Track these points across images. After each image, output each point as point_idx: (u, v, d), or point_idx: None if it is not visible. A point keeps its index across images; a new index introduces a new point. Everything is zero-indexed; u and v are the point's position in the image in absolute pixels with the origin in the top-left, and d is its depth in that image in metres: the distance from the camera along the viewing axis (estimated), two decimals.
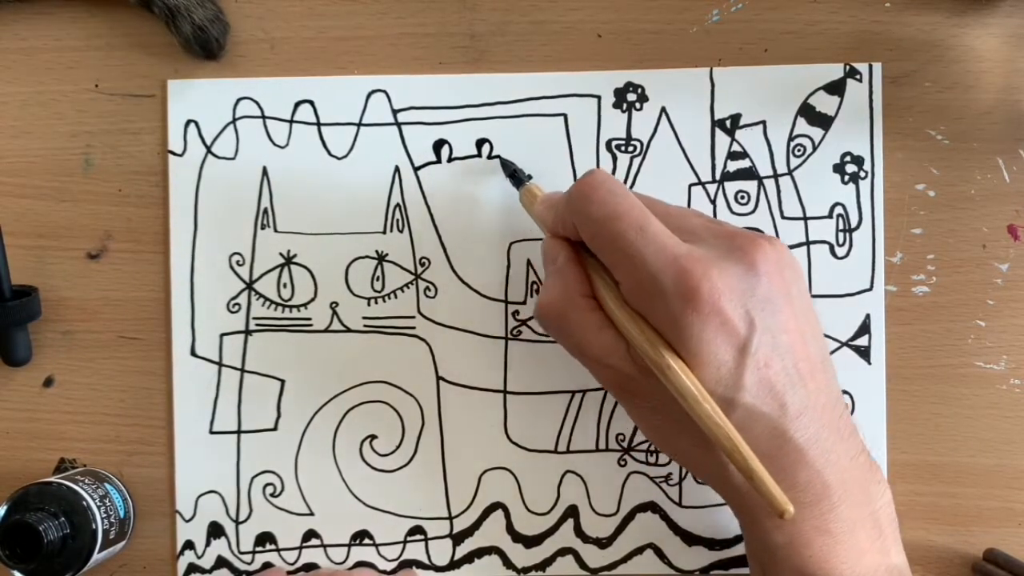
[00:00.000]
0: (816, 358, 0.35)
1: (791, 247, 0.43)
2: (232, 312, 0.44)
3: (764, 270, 0.34)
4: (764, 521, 0.35)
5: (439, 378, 0.44)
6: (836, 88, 0.43)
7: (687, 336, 0.33)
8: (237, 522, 0.44)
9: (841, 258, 0.44)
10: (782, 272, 0.35)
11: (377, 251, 0.44)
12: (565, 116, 0.44)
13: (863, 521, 0.35)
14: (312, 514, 0.44)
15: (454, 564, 0.44)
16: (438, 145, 0.44)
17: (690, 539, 0.44)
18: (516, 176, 0.43)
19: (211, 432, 0.44)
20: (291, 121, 0.44)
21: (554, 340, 0.40)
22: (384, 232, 0.44)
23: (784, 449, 0.34)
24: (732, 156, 0.44)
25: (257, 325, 0.44)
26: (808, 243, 0.44)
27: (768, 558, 0.36)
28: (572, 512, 0.44)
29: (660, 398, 0.35)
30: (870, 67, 0.43)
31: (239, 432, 0.44)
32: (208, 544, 0.44)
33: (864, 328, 0.43)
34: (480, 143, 0.44)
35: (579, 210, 0.36)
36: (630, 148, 0.44)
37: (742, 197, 0.44)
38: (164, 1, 0.42)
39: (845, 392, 0.43)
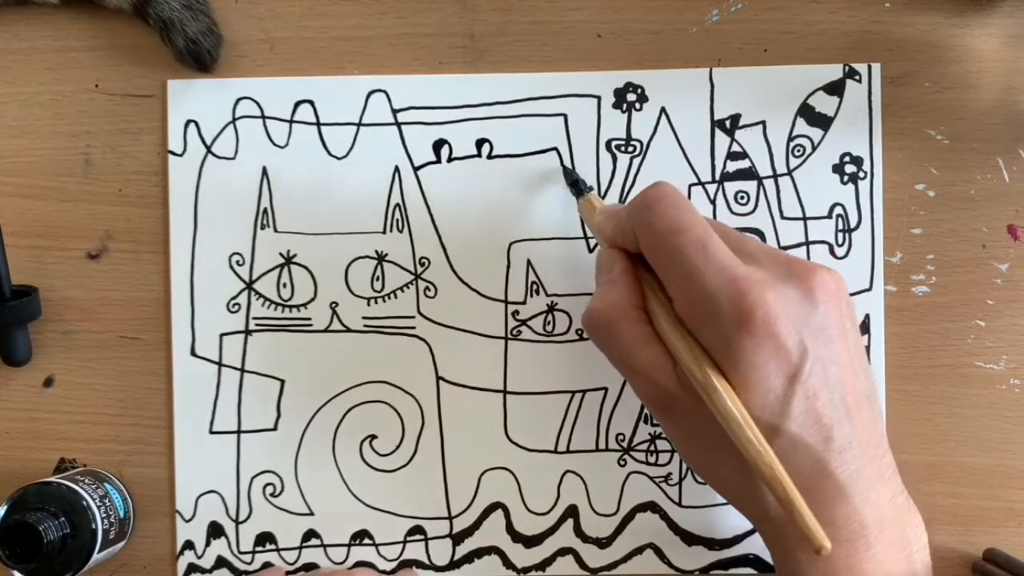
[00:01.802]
0: (863, 393, 0.35)
1: (790, 247, 0.44)
2: (232, 312, 0.45)
3: (822, 299, 0.34)
4: (797, 555, 0.35)
5: (439, 378, 0.44)
6: (835, 88, 0.44)
7: (738, 359, 0.33)
8: (237, 522, 0.45)
9: (840, 258, 0.44)
10: (839, 303, 0.34)
11: (377, 251, 0.44)
12: (565, 116, 0.44)
13: (898, 563, 0.35)
14: (312, 514, 0.45)
15: (454, 564, 0.44)
16: (438, 145, 0.44)
17: (690, 539, 0.44)
18: (577, 186, 0.43)
19: (211, 432, 0.45)
20: (291, 121, 0.44)
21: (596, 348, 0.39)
22: (384, 232, 0.44)
23: (825, 484, 0.34)
24: (732, 156, 0.44)
25: (257, 325, 0.45)
26: (807, 243, 0.44)
27: None
28: (572, 512, 0.44)
29: (701, 420, 0.34)
30: (869, 67, 0.43)
31: (239, 432, 0.45)
32: (208, 544, 0.45)
33: (864, 328, 0.44)
34: (480, 143, 0.44)
35: (641, 220, 0.36)
36: (630, 148, 0.44)
37: (742, 197, 0.44)
38: (158, 14, 0.42)
39: None
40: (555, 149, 0.44)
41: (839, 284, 0.35)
